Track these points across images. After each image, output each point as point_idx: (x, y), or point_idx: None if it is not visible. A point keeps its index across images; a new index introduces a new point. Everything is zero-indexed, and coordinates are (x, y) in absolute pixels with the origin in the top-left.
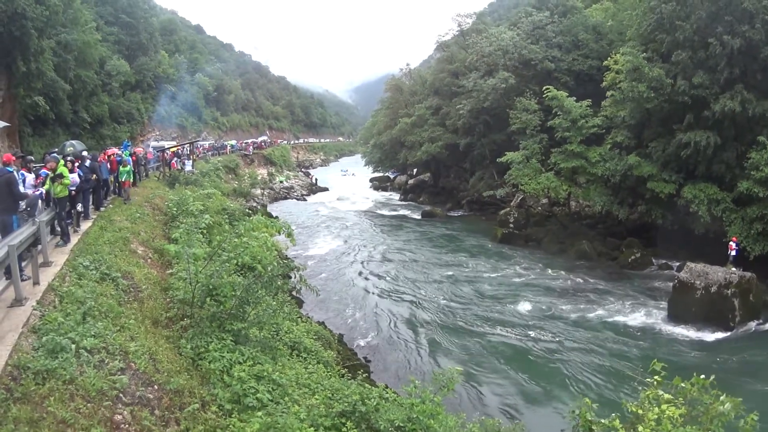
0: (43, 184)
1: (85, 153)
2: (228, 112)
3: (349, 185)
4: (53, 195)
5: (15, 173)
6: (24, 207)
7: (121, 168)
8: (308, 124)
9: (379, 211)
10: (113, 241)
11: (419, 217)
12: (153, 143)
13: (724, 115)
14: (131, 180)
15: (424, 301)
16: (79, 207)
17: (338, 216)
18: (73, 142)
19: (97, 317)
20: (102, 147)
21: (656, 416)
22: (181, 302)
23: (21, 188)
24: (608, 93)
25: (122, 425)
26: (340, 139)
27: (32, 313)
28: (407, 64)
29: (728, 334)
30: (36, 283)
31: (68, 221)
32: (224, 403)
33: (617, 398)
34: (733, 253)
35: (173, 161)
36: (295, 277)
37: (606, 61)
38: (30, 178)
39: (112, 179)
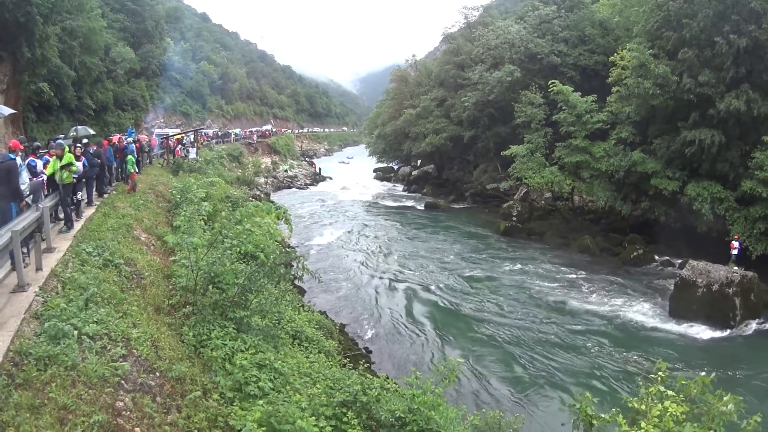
0: (60, 170)
1: (85, 140)
2: (232, 100)
3: (353, 175)
4: (60, 181)
5: (18, 160)
6: (28, 193)
7: (129, 157)
8: (313, 113)
9: (382, 202)
10: (116, 228)
11: (422, 209)
12: (157, 130)
13: (729, 114)
14: (135, 170)
15: (426, 293)
16: (79, 195)
17: (341, 206)
18: (79, 127)
19: (100, 303)
20: (106, 133)
21: (659, 412)
22: (184, 289)
23: (26, 176)
24: (614, 89)
25: (124, 412)
26: (345, 129)
27: (35, 298)
28: (413, 56)
29: (729, 332)
30: (39, 268)
31: (71, 207)
32: (226, 391)
33: (617, 393)
34: (735, 252)
35: (177, 149)
36: (297, 266)
37: (612, 57)
38: (39, 164)
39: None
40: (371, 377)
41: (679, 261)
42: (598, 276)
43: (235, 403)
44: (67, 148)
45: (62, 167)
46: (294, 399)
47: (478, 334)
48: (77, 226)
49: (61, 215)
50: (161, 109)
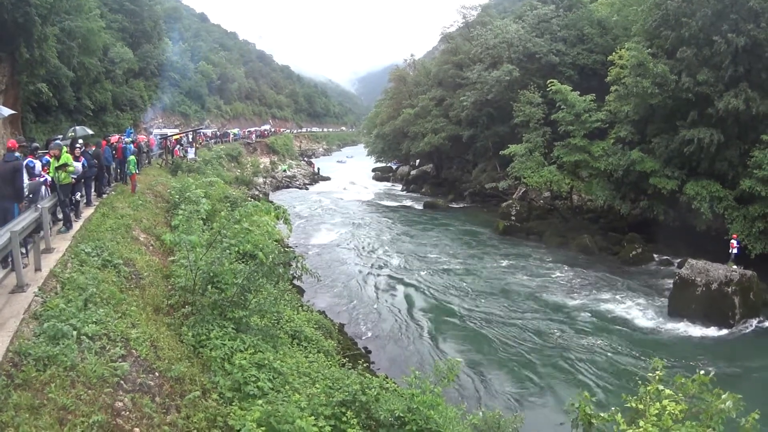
0: (57, 169)
1: (81, 141)
2: (231, 100)
3: (352, 175)
4: (57, 182)
5: (21, 161)
6: (27, 194)
7: (130, 157)
8: (311, 113)
9: (380, 202)
10: (115, 228)
11: (421, 208)
12: (156, 130)
13: (728, 113)
14: (137, 171)
15: (425, 293)
16: (78, 195)
17: (340, 205)
18: (77, 128)
19: (99, 304)
20: (105, 134)
21: (657, 411)
22: (183, 289)
23: (26, 177)
24: (612, 88)
25: (123, 412)
26: (343, 128)
27: (34, 299)
28: (412, 55)
29: (728, 331)
30: (38, 269)
31: (70, 208)
32: (225, 390)
33: (616, 392)
34: (735, 251)
35: (176, 149)
36: (296, 265)
37: (611, 56)
38: (38, 165)
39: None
40: (370, 377)
41: (678, 260)
42: (596, 275)
43: (234, 403)
44: (65, 149)
45: (57, 168)
46: (293, 399)
47: (476, 334)
48: (76, 226)
49: (60, 215)
50: (160, 109)
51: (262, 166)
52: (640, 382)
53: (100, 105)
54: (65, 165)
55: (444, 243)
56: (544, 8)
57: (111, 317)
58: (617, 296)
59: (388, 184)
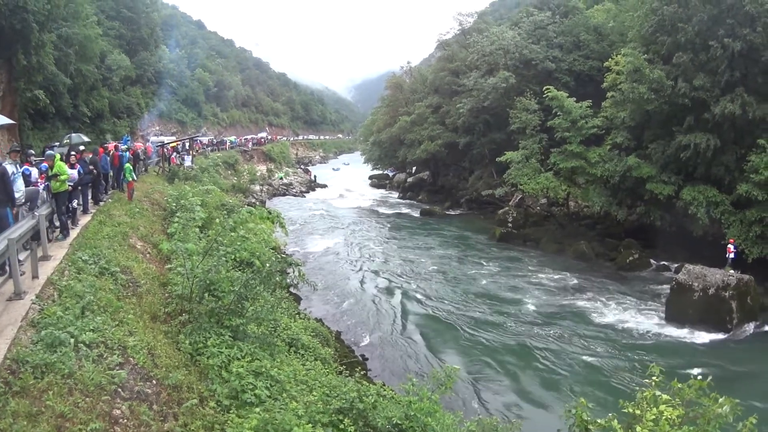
0: (48, 178)
1: (81, 147)
2: (228, 108)
3: (348, 183)
4: (51, 190)
5: (13, 168)
6: (23, 201)
7: (127, 165)
8: (308, 120)
9: (377, 209)
10: (112, 236)
11: (417, 216)
12: (153, 138)
13: (724, 118)
14: (134, 178)
15: (422, 300)
16: (75, 203)
17: (337, 213)
18: (73, 135)
19: (96, 312)
20: (102, 141)
21: (654, 417)
22: (180, 297)
23: (21, 183)
24: (608, 94)
25: (121, 420)
26: (340, 136)
27: (31, 306)
28: (408, 62)
29: (725, 336)
30: (35, 276)
31: (67, 215)
32: (222, 398)
33: (613, 399)
34: (732, 255)
35: (173, 156)
36: (293, 273)
37: (607, 62)
38: (34, 172)
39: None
40: (368, 384)
41: (675, 265)
42: (594, 281)
43: (231, 411)
44: (58, 157)
45: (50, 177)
46: (290, 406)
47: (473, 340)
48: (73, 233)
49: (57, 223)
50: (156, 116)
51: (258, 174)
52: (637, 387)
53: (97, 112)
54: (56, 175)
55: (440, 250)
56: (541, 15)
57: (108, 325)
58: (614, 302)
59: (385, 192)
